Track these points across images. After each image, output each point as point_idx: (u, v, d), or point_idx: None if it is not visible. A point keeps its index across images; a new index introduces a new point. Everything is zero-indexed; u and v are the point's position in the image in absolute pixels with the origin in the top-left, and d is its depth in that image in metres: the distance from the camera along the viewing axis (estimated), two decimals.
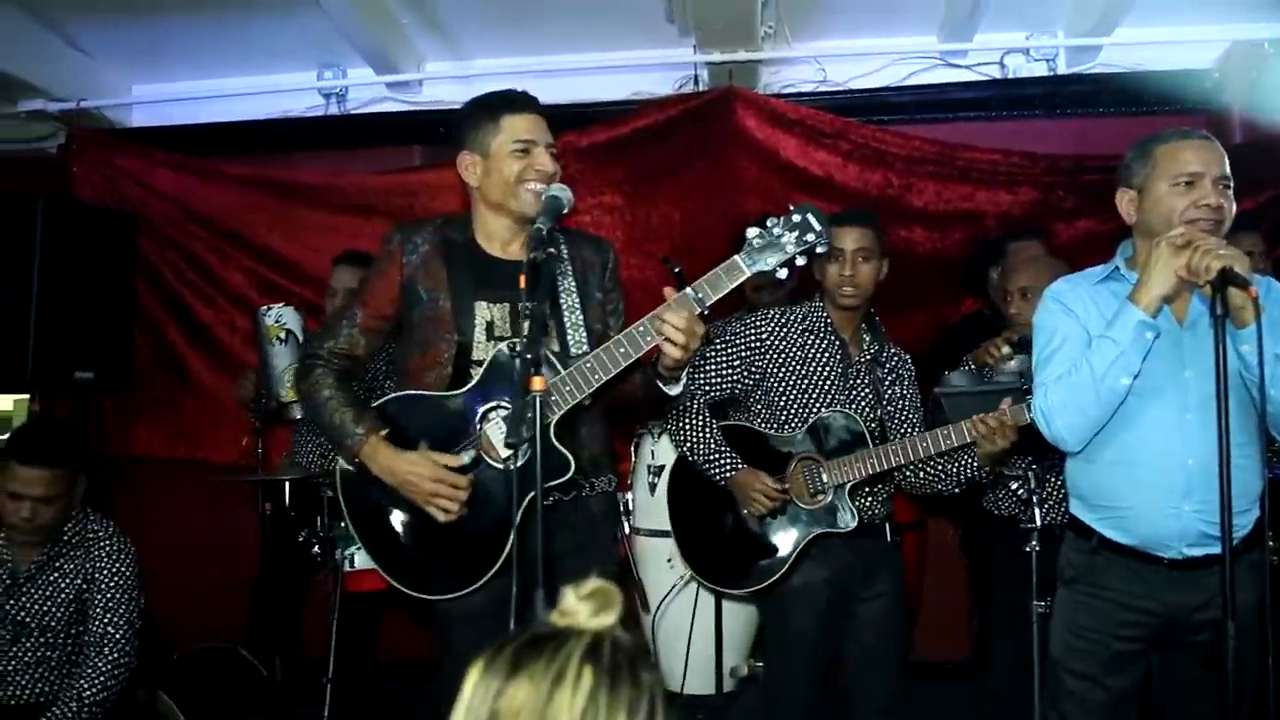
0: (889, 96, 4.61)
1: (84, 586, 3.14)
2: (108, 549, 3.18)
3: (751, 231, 2.31)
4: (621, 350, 2.32)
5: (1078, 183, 4.30)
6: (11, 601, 3.10)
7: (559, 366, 2.38)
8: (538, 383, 1.93)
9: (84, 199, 4.70)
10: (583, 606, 1.12)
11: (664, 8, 4.28)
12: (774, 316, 3.16)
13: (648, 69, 4.70)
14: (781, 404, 3.11)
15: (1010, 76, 4.61)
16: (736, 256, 2.30)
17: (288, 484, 3.66)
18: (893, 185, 4.40)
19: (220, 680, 3.89)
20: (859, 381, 3.14)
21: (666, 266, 2.34)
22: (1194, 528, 2.35)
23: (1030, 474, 3.21)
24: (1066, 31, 4.53)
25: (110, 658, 3.10)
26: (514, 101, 2.56)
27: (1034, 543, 3.19)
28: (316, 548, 3.54)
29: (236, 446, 4.45)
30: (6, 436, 4.48)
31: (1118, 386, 2.33)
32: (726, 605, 3.77)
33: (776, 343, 3.12)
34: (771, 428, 3.12)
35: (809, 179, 4.41)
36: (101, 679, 3.08)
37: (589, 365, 2.34)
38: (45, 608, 3.11)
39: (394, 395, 2.54)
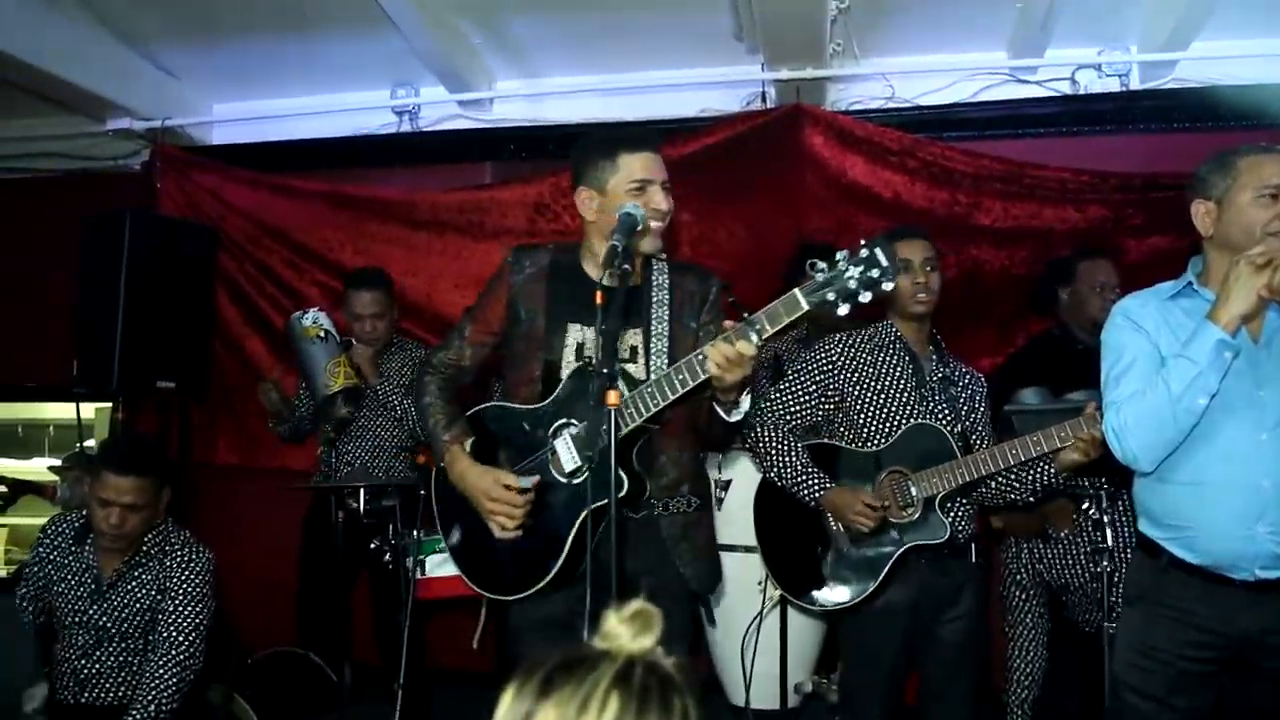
0: (958, 113, 4.59)
1: (158, 596, 3.21)
2: (181, 558, 3.24)
3: (815, 264, 2.28)
4: (680, 377, 2.37)
5: (1149, 200, 4.23)
6: (95, 607, 3.18)
7: (627, 391, 2.43)
8: (612, 397, 1.96)
9: (167, 214, 4.85)
10: (624, 629, 1.13)
11: (732, 25, 4.31)
12: (842, 339, 3.18)
13: (716, 86, 4.73)
14: (862, 421, 3.11)
15: (1081, 92, 4.56)
16: (796, 291, 2.28)
17: (362, 492, 3.72)
18: (960, 204, 4.38)
19: (291, 683, 3.97)
20: (936, 397, 3.13)
21: (726, 300, 2.37)
22: (1268, 550, 2.32)
23: (1102, 494, 3.19)
24: (1140, 46, 4.46)
25: (175, 661, 3.13)
26: (631, 141, 2.62)
27: (1105, 563, 3.17)
28: (389, 555, 3.60)
29: (312, 455, 4.56)
30: (94, 444, 4.65)
31: (1195, 407, 2.30)
32: (792, 620, 3.77)
33: (849, 363, 3.14)
34: (856, 445, 3.13)
35: (875, 197, 4.41)
36: (164, 685, 3.10)
37: (649, 391, 2.40)
38: (124, 615, 3.19)
39: (485, 405, 2.70)
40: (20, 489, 4.16)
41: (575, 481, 2.37)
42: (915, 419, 3.09)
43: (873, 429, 3.11)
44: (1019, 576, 3.77)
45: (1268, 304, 2.28)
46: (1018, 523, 3.68)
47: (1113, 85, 4.54)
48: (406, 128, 5.04)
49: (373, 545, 3.67)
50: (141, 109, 4.93)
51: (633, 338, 2.57)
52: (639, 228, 2.40)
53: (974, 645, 3.15)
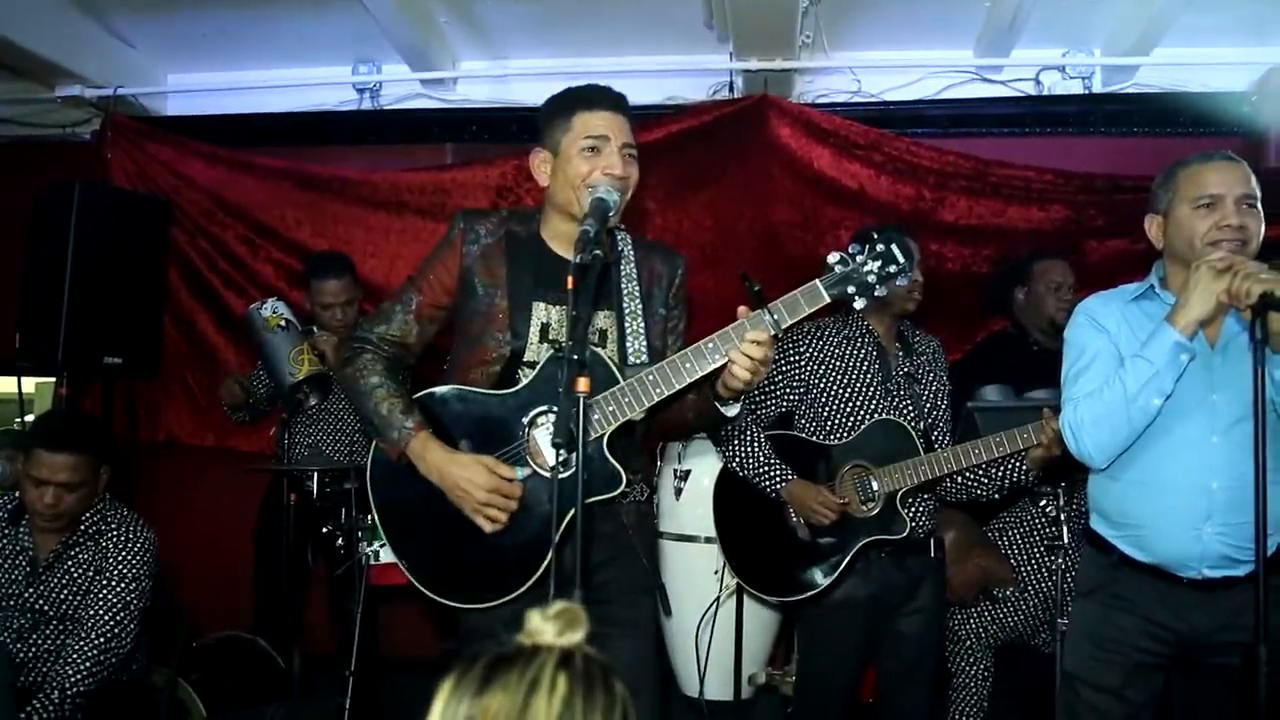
0: (923, 110, 4.61)
1: (94, 576, 3.13)
2: (118, 536, 3.16)
3: (833, 258, 2.23)
4: (687, 365, 2.23)
5: (1111, 202, 4.28)
6: (31, 589, 3.10)
7: (619, 377, 2.31)
8: (582, 384, 1.91)
9: (118, 185, 4.72)
10: (549, 626, 1.13)
11: (702, 13, 4.29)
12: (809, 330, 3.17)
13: (682, 74, 4.70)
14: (826, 414, 3.12)
15: (1045, 93, 4.60)
16: (817, 282, 2.22)
17: (316, 474, 3.67)
18: (925, 199, 4.40)
19: (238, 669, 3.90)
20: (901, 392, 3.14)
21: (746, 285, 2.23)
22: (1215, 550, 2.35)
23: (1059, 491, 3.23)
24: (1104, 50, 4.52)
25: (94, 643, 3.03)
26: (589, 97, 2.42)
27: (1060, 560, 3.21)
28: (341, 540, 3.55)
29: (265, 436, 4.48)
30: (30, 420, 4.53)
31: (1149, 407, 2.33)
32: (747, 611, 3.78)
33: (816, 354, 3.14)
34: (818, 437, 3.13)
35: (841, 190, 4.41)
36: (86, 664, 3.00)
37: (651, 378, 2.25)
38: (61, 596, 3.11)
39: (438, 389, 2.43)
40: None
41: (562, 476, 2.10)
42: (879, 414, 3.10)
43: (836, 422, 3.12)
44: (967, 642, 3.64)
45: (1226, 309, 2.31)
46: (958, 587, 3.55)
47: (1075, 88, 4.59)
48: (368, 105, 4.95)
49: (324, 530, 3.61)
50: (93, 76, 4.78)
51: (603, 320, 2.42)
52: (612, 213, 2.30)
53: (933, 638, 3.18)
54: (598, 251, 2.09)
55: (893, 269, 2.22)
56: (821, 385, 3.13)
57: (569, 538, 2.03)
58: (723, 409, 2.33)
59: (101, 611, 3.06)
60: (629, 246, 2.50)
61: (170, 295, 4.78)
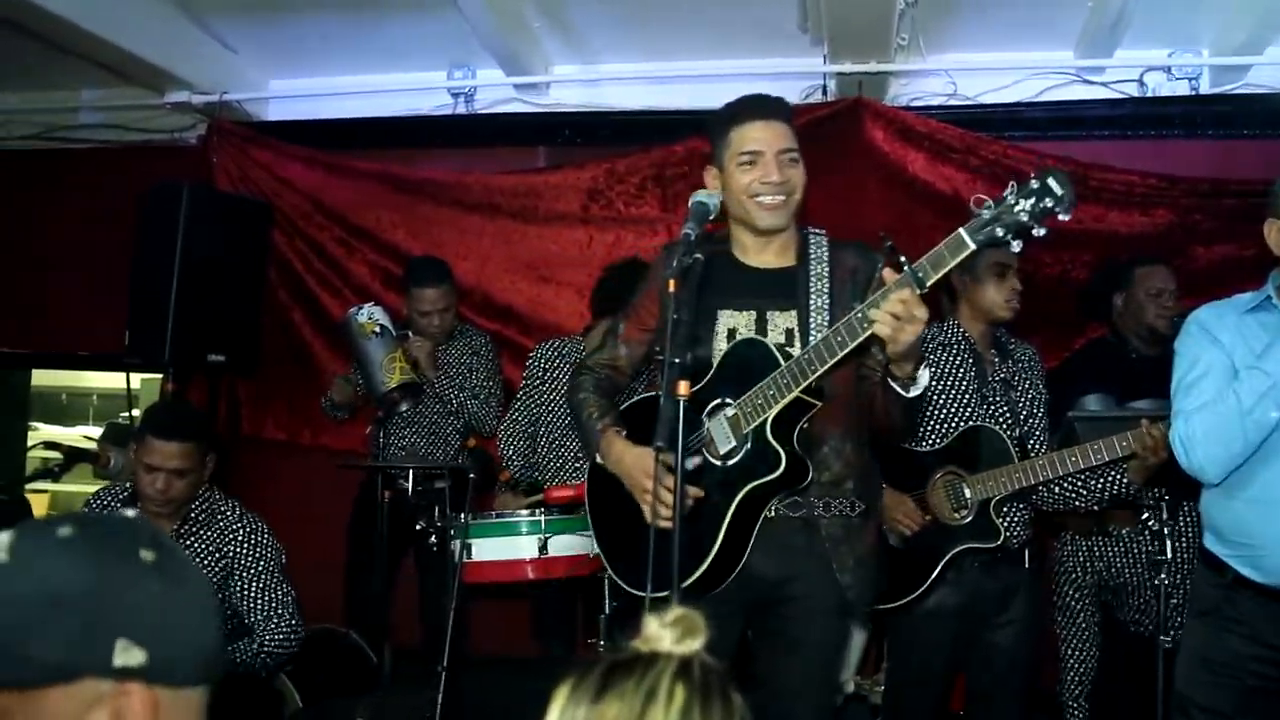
0: (1021, 112, 4.51)
1: (224, 566, 3.25)
2: (244, 530, 3.31)
3: (979, 201, 2.11)
4: (839, 339, 2.23)
5: (1217, 206, 4.15)
6: None
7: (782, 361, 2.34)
8: (683, 388, 1.93)
9: (222, 189, 4.87)
10: (667, 633, 1.10)
11: (796, 15, 4.26)
12: None
13: (775, 77, 4.64)
14: (920, 420, 3.08)
15: (1149, 95, 4.47)
16: (961, 230, 2.11)
17: (410, 473, 3.73)
18: None
19: (332, 662, 3.99)
20: (997, 399, 3.09)
21: (886, 248, 2.20)
22: None
23: (1162, 505, 3.14)
24: (1212, 49, 4.38)
25: (287, 624, 3.29)
26: (739, 112, 2.49)
27: (1163, 576, 3.12)
28: (434, 538, 3.60)
29: (357, 434, 4.57)
30: (139, 413, 4.69)
31: (1265, 420, 2.27)
32: None
33: None
34: (912, 443, 3.09)
35: (935, 194, 4.34)
36: (279, 636, 3.26)
37: (805, 358, 2.27)
38: None
39: (634, 398, 2.63)
40: (76, 456, 4.17)
41: (730, 463, 2.26)
42: (975, 420, 3.05)
43: (931, 428, 3.08)
44: (1074, 575, 3.67)
45: None
46: (1076, 518, 3.58)
47: (1182, 89, 4.45)
48: (462, 109, 5.01)
49: (418, 527, 3.67)
50: (200, 83, 4.93)
51: (787, 320, 2.44)
52: (711, 216, 2.32)
53: (1025, 650, 3.12)
54: (697, 255, 2.11)
55: (1049, 203, 2.04)
56: None
57: (759, 549, 2.21)
58: (899, 389, 2.29)
59: (277, 605, 3.29)
60: (823, 247, 2.52)
61: (270, 295, 4.91)
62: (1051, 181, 2.04)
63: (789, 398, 2.29)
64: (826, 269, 2.47)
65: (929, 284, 2.14)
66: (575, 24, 4.59)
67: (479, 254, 4.79)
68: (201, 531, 3.27)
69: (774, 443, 2.30)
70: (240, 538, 3.30)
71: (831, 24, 4.06)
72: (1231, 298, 2.54)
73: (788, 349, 2.38)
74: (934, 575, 2.97)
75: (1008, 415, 3.09)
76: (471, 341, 4.40)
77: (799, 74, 4.64)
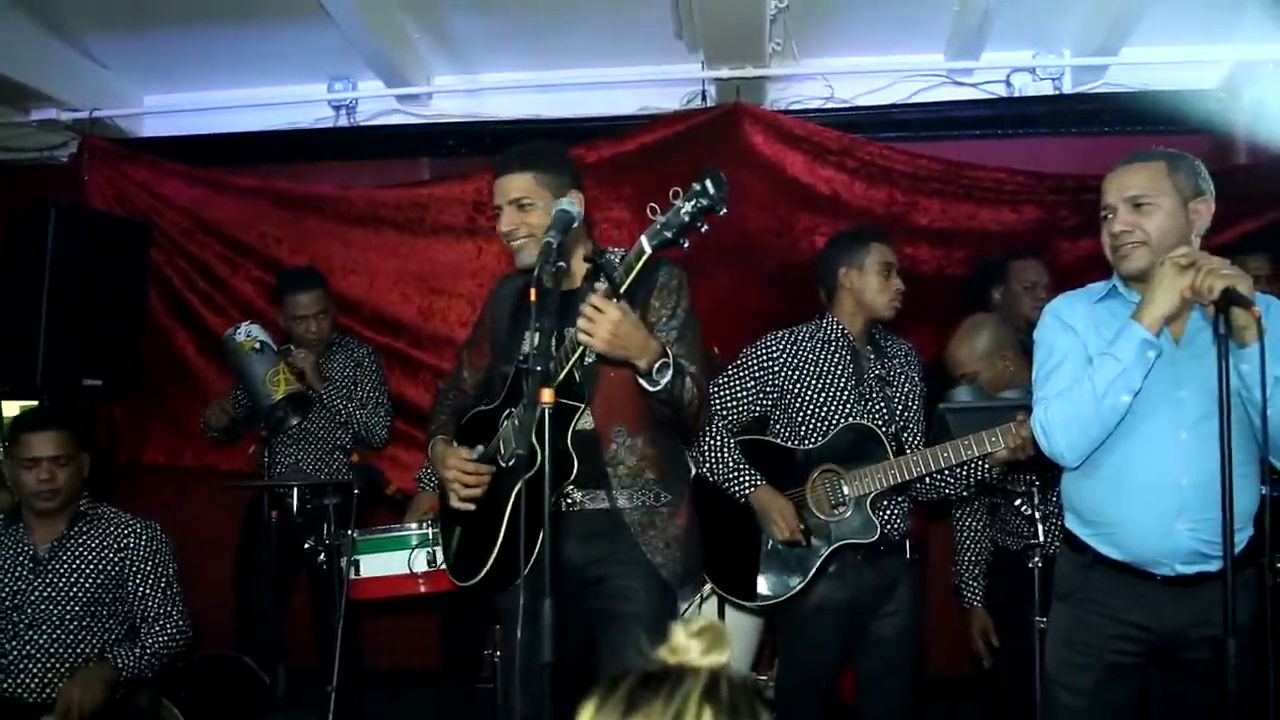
0: (895, 114, 4.63)
1: (120, 561, 3.26)
2: (140, 527, 3.34)
3: (654, 209, 2.33)
4: (564, 347, 2.44)
5: (1082, 201, 4.29)
6: (38, 579, 3.19)
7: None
8: (546, 395, 1.95)
9: (95, 207, 4.72)
10: (694, 644, 1.08)
11: (672, 24, 4.31)
12: (783, 335, 3.21)
13: (655, 84, 4.72)
14: (801, 418, 3.14)
15: (1016, 95, 4.63)
16: (641, 236, 2.33)
17: (296, 490, 3.67)
18: (898, 203, 4.41)
19: (222, 687, 3.90)
20: (873, 396, 3.16)
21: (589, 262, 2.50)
22: (1186, 546, 2.37)
23: (1034, 491, 3.24)
24: (1072, 50, 4.54)
25: (175, 624, 3.32)
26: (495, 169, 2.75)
27: (1036, 559, 3.22)
28: (322, 556, 3.55)
29: (243, 455, 4.48)
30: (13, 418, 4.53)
31: (1118, 404, 2.36)
32: (731, 616, 3.77)
33: (790, 359, 3.16)
34: (792, 441, 3.14)
35: (814, 195, 4.42)
36: (164, 637, 3.27)
37: (553, 361, 2.39)
38: (70, 580, 3.20)
39: (469, 413, 2.82)
40: None
41: (510, 464, 2.49)
42: (852, 417, 3.11)
43: (811, 426, 3.13)
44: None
45: (1190, 305, 2.33)
46: (987, 384, 3.50)
47: (1046, 89, 4.62)
48: (343, 122, 4.95)
49: (306, 545, 3.61)
50: (69, 99, 4.78)
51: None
52: (575, 224, 2.38)
53: (910, 640, 3.19)
54: (561, 264, 2.13)
55: (705, 202, 2.24)
56: (796, 390, 3.14)
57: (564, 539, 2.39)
58: (644, 384, 2.42)
59: (168, 605, 3.33)
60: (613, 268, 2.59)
61: (151, 315, 4.78)
62: (708, 183, 2.24)
63: (545, 403, 2.28)
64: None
65: (623, 288, 2.35)
66: (456, 35, 4.57)
67: (366, 268, 4.74)
68: (96, 528, 3.27)
69: (536, 442, 2.34)
70: (136, 532, 3.32)
71: (705, 31, 4.11)
72: (1085, 288, 2.65)
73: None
74: (813, 571, 3.03)
75: (884, 411, 3.16)
76: (354, 353, 4.37)
77: (680, 80, 4.69)
